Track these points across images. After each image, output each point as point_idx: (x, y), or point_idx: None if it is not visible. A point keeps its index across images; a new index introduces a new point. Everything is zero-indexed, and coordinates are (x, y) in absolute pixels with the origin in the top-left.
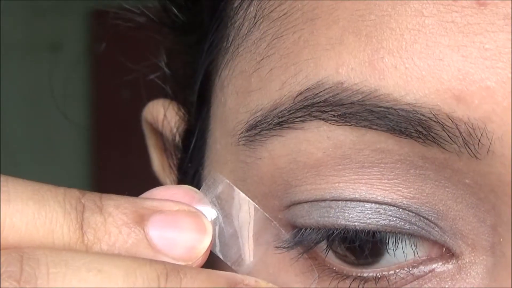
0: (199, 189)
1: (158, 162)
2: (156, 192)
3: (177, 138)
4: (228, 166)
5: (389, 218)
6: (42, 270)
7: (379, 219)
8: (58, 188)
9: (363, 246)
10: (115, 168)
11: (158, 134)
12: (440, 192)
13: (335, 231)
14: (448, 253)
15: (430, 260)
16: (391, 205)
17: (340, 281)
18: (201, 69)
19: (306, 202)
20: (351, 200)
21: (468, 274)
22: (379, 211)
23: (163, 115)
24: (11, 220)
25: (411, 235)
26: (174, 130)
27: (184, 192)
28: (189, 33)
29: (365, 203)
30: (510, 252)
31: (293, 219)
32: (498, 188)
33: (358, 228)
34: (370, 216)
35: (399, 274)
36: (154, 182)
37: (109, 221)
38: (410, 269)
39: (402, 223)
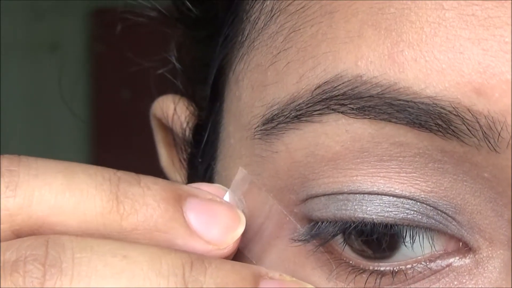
0: (212, 182)
1: (166, 158)
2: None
3: (188, 133)
4: (242, 161)
5: (407, 211)
6: (67, 254)
7: (397, 212)
8: (90, 166)
9: (380, 239)
10: (115, 168)
11: (167, 129)
12: (458, 186)
13: (352, 224)
14: (465, 248)
15: (447, 254)
16: (409, 199)
17: (357, 275)
18: (215, 64)
19: (323, 195)
20: (369, 193)
21: (486, 269)
22: (397, 204)
23: (173, 110)
24: (40, 193)
25: (428, 229)
26: (185, 125)
27: (215, 189)
28: (202, 27)
29: (383, 196)
30: None
31: (309, 213)
32: None
33: (375, 221)
34: (388, 209)
35: (416, 268)
36: None
37: (148, 194)
38: (427, 263)
39: (420, 217)
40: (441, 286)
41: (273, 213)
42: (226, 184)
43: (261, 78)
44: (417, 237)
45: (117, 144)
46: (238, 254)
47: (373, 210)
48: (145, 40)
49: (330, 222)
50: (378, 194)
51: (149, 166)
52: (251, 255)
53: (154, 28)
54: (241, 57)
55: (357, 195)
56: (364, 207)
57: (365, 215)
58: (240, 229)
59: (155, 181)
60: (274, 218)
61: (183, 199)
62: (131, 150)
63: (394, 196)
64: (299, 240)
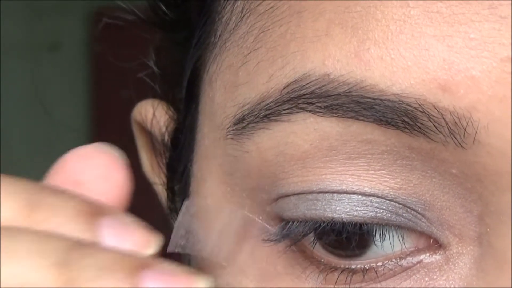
0: (188, 184)
1: (147, 163)
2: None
3: (166, 137)
4: (216, 161)
5: (376, 210)
6: None
7: (366, 211)
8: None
9: (350, 238)
10: None
11: (148, 134)
12: (427, 183)
13: (322, 224)
14: (435, 244)
15: (418, 251)
16: (378, 197)
17: (329, 273)
18: (189, 65)
19: (293, 194)
20: (338, 192)
21: (456, 265)
22: (365, 203)
23: (152, 114)
24: None
25: (398, 227)
26: (164, 129)
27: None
28: (177, 30)
29: (352, 195)
30: (497, 242)
31: (280, 212)
32: (484, 178)
33: (345, 220)
34: (357, 208)
35: (387, 265)
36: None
37: (63, 205)
38: (398, 260)
39: (389, 215)
40: (412, 283)
41: (237, 217)
42: (201, 186)
43: (233, 79)
44: (387, 235)
45: (117, 144)
46: (201, 261)
47: (342, 210)
48: (141, 40)
49: (300, 221)
50: (347, 193)
51: None
52: (220, 259)
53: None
54: (214, 58)
55: (326, 194)
56: (333, 207)
57: (335, 215)
58: (151, 250)
59: (75, 195)
60: (236, 222)
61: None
62: (131, 150)
63: (363, 194)
64: (270, 240)
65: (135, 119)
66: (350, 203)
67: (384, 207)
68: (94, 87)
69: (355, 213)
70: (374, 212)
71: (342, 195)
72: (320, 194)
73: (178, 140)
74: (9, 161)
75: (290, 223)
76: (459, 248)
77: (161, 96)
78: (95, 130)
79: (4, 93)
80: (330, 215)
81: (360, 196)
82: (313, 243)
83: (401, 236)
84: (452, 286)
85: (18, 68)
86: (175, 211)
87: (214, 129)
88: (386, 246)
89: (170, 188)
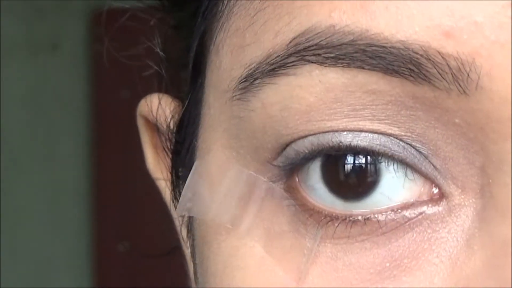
0: (193, 161)
1: (152, 159)
2: None
3: (172, 124)
4: (221, 127)
5: (382, 140)
6: None
7: (373, 139)
8: None
9: (356, 169)
10: (115, 168)
11: (153, 129)
12: (430, 133)
13: (329, 150)
14: (437, 195)
15: (420, 202)
16: (386, 135)
17: (329, 224)
18: (196, 38)
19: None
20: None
21: (458, 217)
22: (373, 136)
23: (157, 104)
24: None
25: (403, 161)
26: (169, 118)
27: None
28: (185, 7)
29: (360, 132)
30: (499, 193)
31: (286, 160)
32: (486, 126)
33: (352, 145)
34: (364, 136)
35: (389, 216)
36: (154, 182)
37: None
38: (400, 211)
39: (396, 147)
40: (414, 235)
41: (239, 178)
42: (206, 155)
43: (240, 41)
44: (393, 165)
45: (117, 144)
46: (207, 223)
47: (350, 137)
48: (135, 40)
49: (307, 152)
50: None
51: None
52: (225, 221)
53: (143, 29)
54: (221, 26)
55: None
56: (341, 137)
57: (342, 139)
58: None
59: None
60: (241, 183)
61: None
62: (131, 150)
63: (370, 132)
64: (275, 180)
65: (141, 113)
66: (357, 136)
67: (391, 141)
68: (94, 87)
69: (363, 140)
70: (381, 141)
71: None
72: (326, 133)
73: (182, 120)
74: (9, 161)
75: (296, 157)
76: (461, 200)
77: (167, 88)
78: (95, 130)
79: (4, 93)
80: (337, 139)
81: (367, 132)
82: (318, 179)
83: (405, 171)
84: (455, 239)
85: (18, 68)
86: (179, 196)
87: (220, 96)
88: (391, 183)
89: (175, 172)
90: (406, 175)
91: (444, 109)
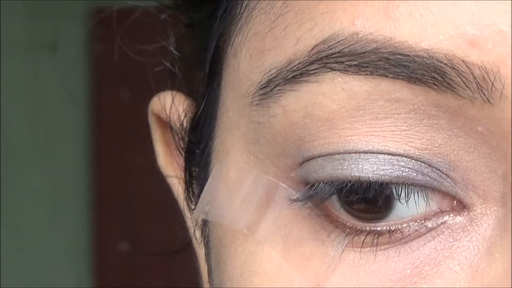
0: (209, 163)
1: (163, 156)
2: None
3: (186, 123)
4: (240, 131)
5: (402, 169)
6: None
7: (392, 170)
8: None
9: (376, 197)
10: (115, 168)
11: (165, 127)
12: (452, 142)
13: (348, 183)
14: (459, 206)
15: (442, 212)
16: (404, 156)
17: (354, 236)
18: (213, 40)
19: (319, 156)
20: (365, 152)
21: (480, 226)
22: (392, 162)
23: (170, 102)
24: None
25: (423, 187)
26: (182, 116)
27: None
28: (202, 8)
29: (378, 154)
30: None
31: (306, 175)
32: (509, 135)
33: (372, 180)
34: (383, 167)
35: (412, 226)
36: (154, 181)
37: None
38: (423, 221)
39: (415, 174)
40: (436, 244)
41: (258, 184)
42: (223, 158)
43: (259, 46)
44: (412, 195)
45: (117, 144)
46: (224, 226)
47: (369, 169)
48: (145, 39)
49: (326, 182)
50: (373, 153)
51: (148, 166)
52: (242, 226)
53: (154, 27)
54: (240, 29)
55: (353, 154)
56: (360, 166)
57: (361, 174)
58: None
59: None
60: (260, 188)
61: None
62: (131, 150)
63: (389, 154)
64: (295, 201)
65: (153, 110)
66: (376, 162)
67: (409, 166)
68: (94, 87)
69: (382, 172)
70: (400, 171)
71: (368, 154)
72: (346, 154)
73: (198, 121)
74: (9, 161)
75: (315, 185)
76: (483, 209)
77: (180, 85)
78: (95, 130)
79: (4, 93)
80: (357, 174)
81: (386, 155)
82: (339, 205)
83: (426, 196)
84: (476, 247)
85: (18, 68)
86: (192, 195)
87: (238, 99)
88: (411, 206)
89: (188, 171)
90: (427, 199)
91: (467, 117)
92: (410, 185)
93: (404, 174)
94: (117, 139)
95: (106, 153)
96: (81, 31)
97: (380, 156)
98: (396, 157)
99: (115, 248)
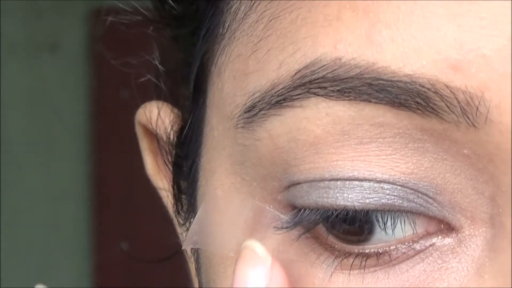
0: (196, 179)
1: (151, 165)
2: None
3: (172, 136)
4: (225, 151)
5: (387, 196)
6: None
7: (377, 198)
8: None
9: (362, 226)
10: (115, 168)
11: (152, 136)
12: (439, 165)
13: (334, 212)
14: (447, 228)
15: (430, 234)
16: (389, 183)
17: (343, 259)
18: (197, 59)
19: (305, 182)
20: (350, 179)
21: (468, 247)
22: (377, 190)
23: (157, 114)
24: None
25: (409, 212)
26: (169, 128)
27: None
28: (184, 24)
29: (363, 182)
30: (509, 222)
31: (292, 200)
32: (496, 157)
33: (357, 208)
34: (368, 195)
35: (400, 249)
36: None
37: None
38: (411, 244)
39: (401, 201)
40: (425, 266)
41: (244, 207)
42: (210, 177)
43: (243, 68)
44: (398, 221)
45: (117, 144)
46: (210, 253)
47: (355, 197)
48: (144, 40)
49: (312, 209)
50: (358, 180)
51: None
52: (229, 250)
53: (143, 36)
54: (223, 49)
55: (338, 182)
56: (345, 195)
57: (347, 203)
58: None
59: None
60: (246, 211)
61: None
62: (131, 150)
63: (374, 181)
64: (282, 228)
65: (139, 121)
66: (362, 191)
67: (395, 194)
68: (94, 87)
69: (367, 201)
70: (386, 199)
71: (354, 182)
72: (332, 182)
73: (185, 137)
74: (9, 161)
75: (302, 211)
76: (471, 230)
77: (166, 96)
78: (95, 130)
79: (4, 93)
80: (342, 203)
81: (371, 182)
82: (326, 231)
83: (413, 221)
84: (465, 268)
85: (18, 68)
86: (181, 209)
87: (223, 120)
88: (398, 232)
89: (176, 186)
90: (414, 225)
91: (453, 141)
92: (396, 211)
93: (389, 202)
94: (117, 139)
95: (106, 153)
96: (81, 31)
97: (365, 184)
98: (382, 185)
99: (115, 248)
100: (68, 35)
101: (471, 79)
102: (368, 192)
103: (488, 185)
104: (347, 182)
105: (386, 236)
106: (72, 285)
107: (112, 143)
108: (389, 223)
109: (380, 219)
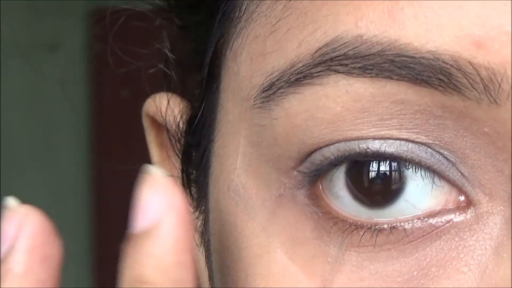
0: (208, 166)
1: (157, 158)
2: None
3: (182, 125)
4: (241, 134)
5: (410, 149)
6: None
7: (400, 145)
8: None
9: (385, 175)
10: (115, 168)
11: (159, 128)
12: (459, 141)
13: (356, 156)
14: (464, 203)
15: (447, 210)
16: (412, 142)
17: (354, 232)
18: (211, 44)
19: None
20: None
21: (486, 225)
22: (400, 142)
23: (166, 105)
24: None
25: (430, 168)
26: (178, 118)
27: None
28: (199, 11)
29: (386, 140)
30: None
31: (310, 167)
32: None
33: (379, 151)
34: (391, 144)
35: (415, 224)
36: None
37: None
38: (427, 219)
39: (424, 153)
40: (442, 244)
41: (262, 185)
42: (224, 162)
43: (260, 49)
44: (420, 171)
45: (117, 144)
46: (226, 230)
47: (377, 143)
48: (144, 40)
49: (333, 158)
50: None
51: None
52: (248, 231)
53: (152, 27)
54: (239, 32)
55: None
56: (368, 143)
57: (369, 145)
58: None
59: None
60: (264, 189)
61: None
62: (131, 150)
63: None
64: (299, 187)
65: (147, 112)
66: (384, 143)
67: (419, 148)
68: (94, 87)
69: (390, 147)
70: (409, 149)
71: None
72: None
73: (197, 124)
74: (9, 161)
75: (320, 164)
76: (489, 208)
77: (175, 86)
78: (95, 130)
79: (4, 93)
80: (364, 146)
81: (394, 140)
82: (343, 183)
83: (432, 177)
84: (483, 247)
85: (18, 68)
86: (190, 198)
87: (239, 103)
88: (415, 193)
89: (186, 175)
90: (433, 182)
91: (473, 118)
92: (417, 162)
93: (413, 154)
94: (117, 139)
95: (106, 153)
96: (81, 31)
97: (388, 141)
98: (409, 144)
99: (115, 248)
100: (68, 35)
101: (494, 55)
102: (391, 142)
103: (508, 163)
104: (370, 140)
105: (403, 210)
106: (72, 285)
107: (112, 143)
108: (410, 171)
109: (401, 169)
